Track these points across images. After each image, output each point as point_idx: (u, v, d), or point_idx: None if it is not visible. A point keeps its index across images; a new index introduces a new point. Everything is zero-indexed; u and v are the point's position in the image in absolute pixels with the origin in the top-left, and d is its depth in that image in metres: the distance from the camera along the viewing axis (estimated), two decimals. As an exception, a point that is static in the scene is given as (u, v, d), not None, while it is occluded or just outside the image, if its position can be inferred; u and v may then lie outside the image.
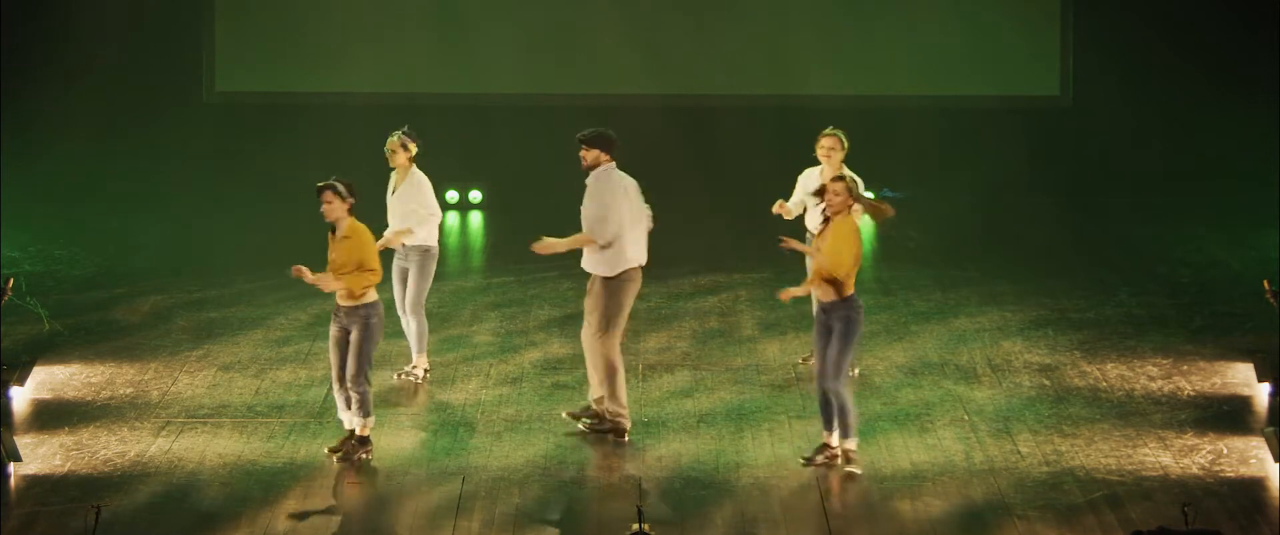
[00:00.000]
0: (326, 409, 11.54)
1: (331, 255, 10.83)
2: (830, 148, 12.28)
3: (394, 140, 12.35)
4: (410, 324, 12.42)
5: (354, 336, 10.83)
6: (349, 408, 10.93)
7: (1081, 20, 19.16)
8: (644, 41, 19.11)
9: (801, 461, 10.84)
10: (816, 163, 12.41)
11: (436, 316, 14.18)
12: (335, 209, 10.81)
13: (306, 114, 18.95)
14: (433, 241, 12.39)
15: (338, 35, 19.09)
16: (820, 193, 10.83)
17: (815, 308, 10.82)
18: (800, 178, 12.49)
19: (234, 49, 19.31)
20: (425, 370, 12.52)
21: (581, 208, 11.26)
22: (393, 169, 12.39)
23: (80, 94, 18.75)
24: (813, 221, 12.37)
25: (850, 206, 10.67)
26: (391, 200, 12.34)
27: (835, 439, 10.85)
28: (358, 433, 10.94)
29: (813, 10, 19.14)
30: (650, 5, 19.19)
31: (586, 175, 11.26)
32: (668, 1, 19.24)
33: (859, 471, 10.74)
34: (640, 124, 18.66)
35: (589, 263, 11.34)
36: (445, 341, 13.55)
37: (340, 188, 10.81)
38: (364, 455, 10.90)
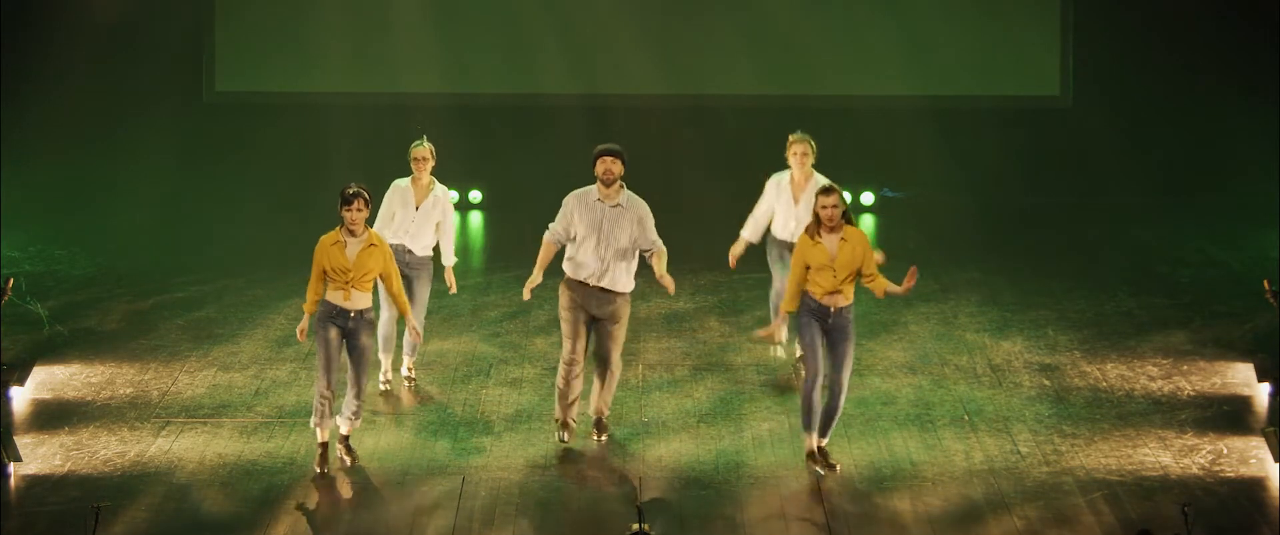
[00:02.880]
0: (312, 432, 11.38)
1: (356, 263, 10.71)
2: (802, 153, 12.25)
3: (427, 148, 12.13)
4: (408, 334, 12.37)
5: (364, 340, 10.82)
6: (354, 415, 10.92)
7: (1081, 20, 19.16)
8: (644, 41, 19.11)
9: (819, 472, 10.79)
10: (784, 166, 12.38)
11: (436, 316, 14.19)
12: (365, 217, 10.78)
13: (307, 114, 18.94)
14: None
15: (338, 35, 19.08)
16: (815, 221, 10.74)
17: (814, 312, 10.70)
18: (769, 181, 12.45)
19: (234, 49, 19.30)
20: (411, 370, 12.57)
21: (625, 228, 11.09)
22: (413, 177, 12.11)
23: (80, 94, 18.74)
24: (785, 230, 12.34)
25: (844, 214, 10.64)
26: (416, 214, 12.12)
27: (815, 439, 10.85)
28: (345, 432, 10.96)
29: (812, 10, 19.13)
30: (650, 5, 19.18)
31: (610, 185, 11.10)
32: (667, 1, 19.24)
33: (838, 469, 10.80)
34: (641, 124, 18.70)
35: (625, 281, 11.25)
36: (445, 342, 13.55)
37: (368, 195, 10.78)
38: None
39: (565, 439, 11.35)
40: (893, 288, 10.74)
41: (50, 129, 18.63)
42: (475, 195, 18.80)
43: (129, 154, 18.91)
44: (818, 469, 10.75)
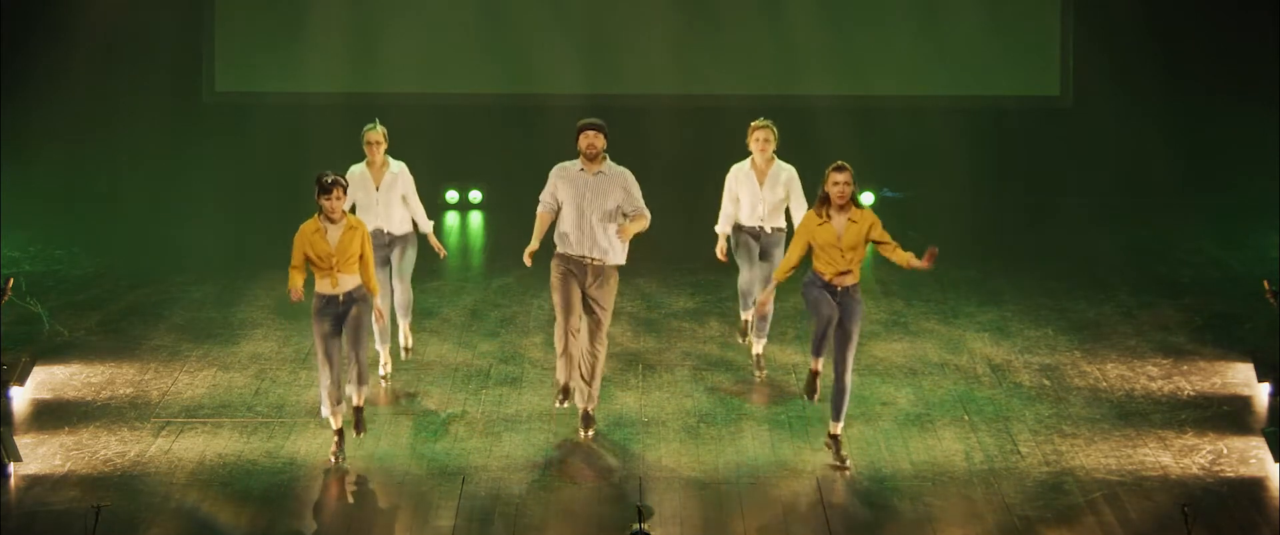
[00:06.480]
0: (324, 420, 11.38)
1: (338, 247, 10.79)
2: (765, 139, 12.22)
3: (380, 132, 12.30)
4: (398, 294, 12.45)
5: (357, 311, 10.88)
6: (361, 381, 10.97)
7: (1081, 20, 19.16)
8: (644, 41, 19.11)
9: (837, 464, 10.83)
10: (746, 155, 12.34)
11: (437, 316, 14.20)
12: (343, 204, 10.85)
13: (306, 114, 18.93)
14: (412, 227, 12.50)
15: (338, 36, 19.08)
16: (823, 199, 10.76)
17: (825, 291, 10.71)
18: (729, 174, 12.38)
19: (233, 49, 19.31)
20: (407, 340, 12.73)
21: (612, 195, 11.21)
22: (367, 160, 12.29)
23: (80, 94, 18.74)
24: (753, 216, 12.30)
25: (854, 191, 10.70)
26: (377, 194, 12.27)
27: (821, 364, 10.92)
28: (357, 403, 11.02)
29: (812, 10, 19.14)
30: (650, 5, 19.18)
31: (593, 159, 11.25)
32: (663, 1, 19.23)
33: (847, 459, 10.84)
34: (639, 123, 18.69)
35: (614, 252, 11.33)
36: (445, 341, 13.56)
37: (345, 183, 10.89)
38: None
39: (563, 405, 11.44)
40: (914, 260, 10.79)
41: (50, 129, 18.63)
42: (475, 195, 18.80)
43: (129, 154, 18.93)
44: (829, 454, 10.81)
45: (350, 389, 11.03)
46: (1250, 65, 18.57)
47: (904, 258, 10.87)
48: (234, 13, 19.26)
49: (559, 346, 11.41)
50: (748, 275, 12.46)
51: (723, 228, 12.48)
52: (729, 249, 12.50)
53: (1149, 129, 18.91)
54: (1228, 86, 18.63)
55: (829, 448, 10.90)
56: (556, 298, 11.36)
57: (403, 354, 12.79)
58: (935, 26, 19.10)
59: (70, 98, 18.69)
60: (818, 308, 10.78)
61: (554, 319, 11.42)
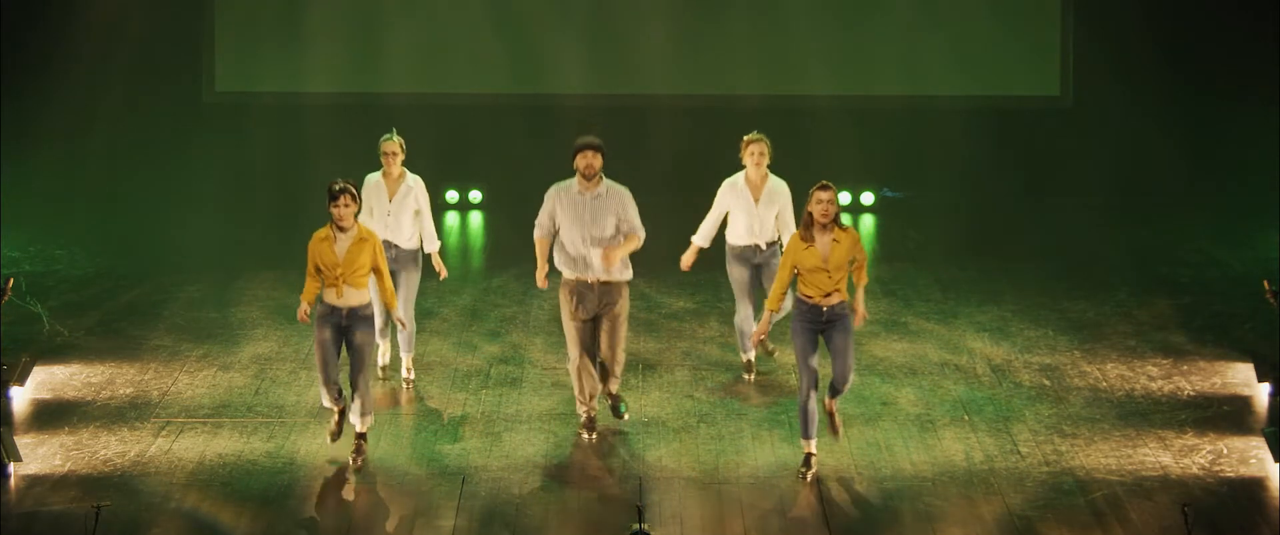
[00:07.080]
0: (325, 410, 11.42)
1: (345, 258, 10.72)
2: (760, 153, 12.10)
3: (397, 142, 12.24)
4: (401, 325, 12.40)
5: (360, 337, 10.81)
6: (364, 412, 10.91)
7: (1081, 20, 19.16)
8: (644, 41, 19.11)
9: (801, 475, 10.81)
10: (740, 168, 12.27)
11: (437, 316, 14.20)
12: (352, 212, 10.79)
13: (307, 114, 18.94)
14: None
15: (338, 35, 19.08)
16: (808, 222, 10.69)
17: (806, 314, 10.67)
18: (723, 186, 12.27)
19: (234, 49, 19.31)
20: (410, 370, 12.55)
21: (609, 216, 11.17)
22: (384, 171, 12.20)
23: (80, 94, 18.74)
24: (748, 235, 12.21)
25: (838, 211, 10.61)
26: (391, 206, 12.19)
27: (813, 445, 10.83)
28: (361, 430, 10.95)
29: (812, 10, 19.14)
30: (650, 5, 19.18)
31: (591, 179, 11.20)
32: (662, 1, 19.23)
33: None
34: (639, 122, 18.70)
35: (621, 270, 11.30)
36: (445, 341, 13.56)
37: (355, 190, 10.80)
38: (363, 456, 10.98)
39: (590, 439, 11.37)
40: (859, 301, 10.76)
41: (50, 129, 18.64)
42: (475, 195, 18.80)
43: (129, 154, 18.92)
44: (811, 472, 10.74)
45: (354, 417, 10.96)
46: (1250, 65, 18.57)
47: (859, 289, 10.82)
48: (234, 13, 19.26)
49: (576, 384, 11.42)
50: (744, 311, 12.31)
51: (699, 241, 12.36)
52: (725, 268, 12.39)
53: (1150, 129, 18.91)
54: (1228, 86, 18.63)
55: (808, 467, 10.77)
56: (569, 333, 11.34)
57: (404, 385, 12.49)
58: (935, 26, 19.11)
59: (70, 98, 18.69)
60: (803, 367, 10.68)
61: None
